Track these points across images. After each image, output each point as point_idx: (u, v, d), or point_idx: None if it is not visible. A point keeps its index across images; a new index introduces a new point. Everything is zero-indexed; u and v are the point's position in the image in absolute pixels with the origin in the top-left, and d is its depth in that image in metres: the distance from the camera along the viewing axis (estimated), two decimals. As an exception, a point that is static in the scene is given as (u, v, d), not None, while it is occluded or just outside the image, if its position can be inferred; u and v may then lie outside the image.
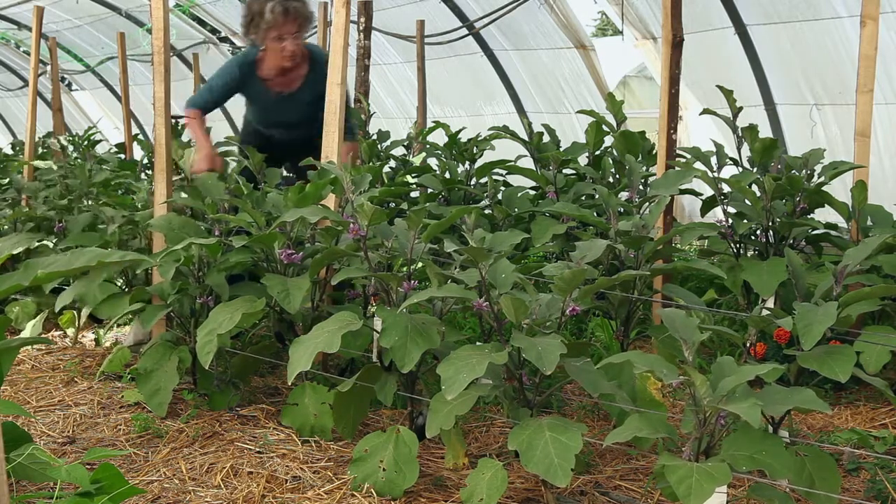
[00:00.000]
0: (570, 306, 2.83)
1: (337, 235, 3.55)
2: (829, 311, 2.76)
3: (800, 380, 2.91)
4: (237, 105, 12.51)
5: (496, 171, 5.56)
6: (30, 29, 7.15)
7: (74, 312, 4.70)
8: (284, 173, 4.97)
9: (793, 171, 4.20)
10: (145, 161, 7.10)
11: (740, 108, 4.50)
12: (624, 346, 3.78)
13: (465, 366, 2.62)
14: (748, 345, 3.06)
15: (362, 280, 3.57)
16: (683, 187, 4.81)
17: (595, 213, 4.41)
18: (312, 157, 4.23)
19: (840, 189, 4.55)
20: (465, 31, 8.10)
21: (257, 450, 3.23)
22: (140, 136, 10.22)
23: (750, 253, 4.33)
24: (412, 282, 3.11)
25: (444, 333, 3.06)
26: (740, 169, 4.46)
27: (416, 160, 5.75)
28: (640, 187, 4.61)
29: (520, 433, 2.63)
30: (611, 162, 5.00)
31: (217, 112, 11.99)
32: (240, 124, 12.11)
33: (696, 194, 4.97)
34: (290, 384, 3.09)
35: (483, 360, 2.62)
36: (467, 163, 5.58)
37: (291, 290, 3.30)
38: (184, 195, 4.06)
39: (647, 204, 3.95)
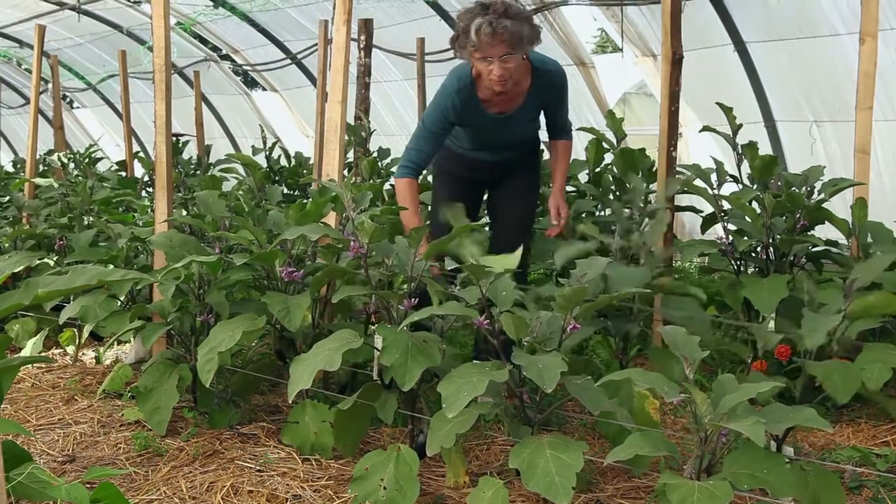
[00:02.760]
0: (571, 324, 2.83)
1: (338, 253, 3.55)
2: (834, 316, 2.77)
3: (803, 397, 2.90)
4: (237, 120, 12.45)
5: (497, 188, 5.56)
6: (31, 47, 7.18)
7: (75, 330, 4.69)
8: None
9: (793, 189, 4.20)
10: (146, 178, 7.12)
11: (740, 126, 4.50)
12: (623, 363, 3.78)
13: (466, 384, 2.61)
14: (749, 361, 3.06)
15: (363, 297, 3.57)
16: (683, 204, 4.82)
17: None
18: (525, 179, 4.13)
19: (840, 206, 4.54)
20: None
21: (258, 468, 3.22)
22: (141, 154, 10.24)
23: (750, 270, 4.33)
24: (413, 299, 3.11)
25: (445, 351, 3.06)
26: (740, 186, 4.46)
27: (417, 177, 5.76)
28: (641, 204, 4.59)
29: (520, 451, 2.63)
30: (611, 179, 5.01)
31: (217, 128, 12.09)
32: (242, 143, 12.04)
33: (697, 211, 4.97)
34: (290, 402, 3.08)
35: (484, 379, 2.62)
36: (468, 180, 5.57)
37: (292, 308, 3.30)
38: (184, 213, 4.06)
39: (648, 220, 3.96)
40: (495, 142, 4.03)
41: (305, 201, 3.68)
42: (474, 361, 3.09)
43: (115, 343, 4.61)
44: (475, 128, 3.98)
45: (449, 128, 3.93)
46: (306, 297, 3.38)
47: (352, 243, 3.17)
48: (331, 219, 3.75)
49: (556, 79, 3.94)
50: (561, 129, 4.13)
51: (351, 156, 5.80)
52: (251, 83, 12.35)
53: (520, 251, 3.08)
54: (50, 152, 8.24)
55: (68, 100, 14.95)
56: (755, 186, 4.35)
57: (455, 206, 3.64)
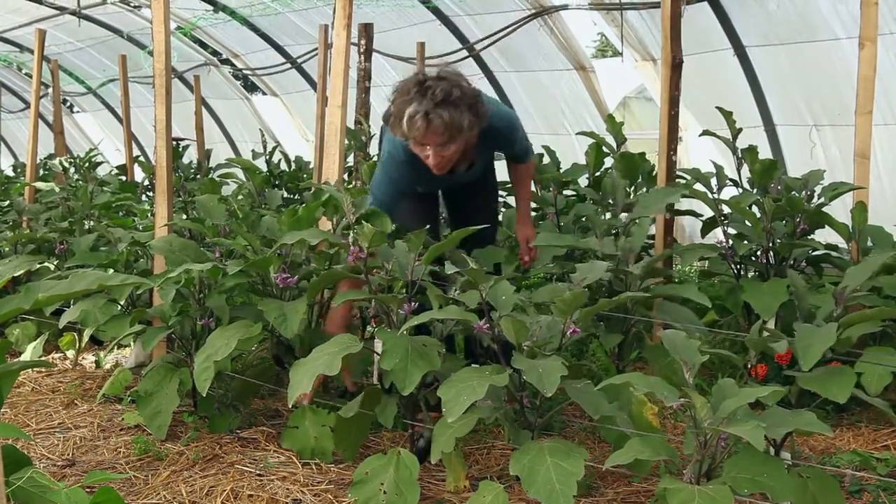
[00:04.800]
0: (571, 328, 2.82)
1: (330, 258, 3.54)
2: (829, 332, 2.77)
3: (801, 401, 2.90)
4: (237, 124, 12.45)
5: (497, 192, 5.56)
6: (32, 51, 7.18)
7: (75, 334, 4.69)
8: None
9: (793, 193, 4.20)
10: (146, 183, 7.12)
11: (740, 130, 4.51)
12: (620, 368, 3.78)
13: (466, 388, 2.61)
14: (748, 366, 3.06)
15: (362, 302, 3.57)
16: (683, 208, 4.82)
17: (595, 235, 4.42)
18: (483, 191, 3.96)
19: (840, 210, 4.55)
20: (465, 52, 8.13)
21: (258, 472, 3.21)
22: (141, 158, 10.24)
23: (750, 274, 4.33)
24: (412, 304, 3.11)
25: (445, 355, 3.06)
26: (740, 190, 4.47)
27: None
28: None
29: (521, 458, 2.62)
30: (611, 183, 5.00)
31: (217, 133, 12.08)
32: (242, 148, 12.04)
33: (697, 215, 4.98)
34: (290, 407, 3.08)
35: (483, 383, 2.62)
36: (467, 184, 5.57)
37: (288, 315, 3.29)
38: (184, 217, 4.05)
39: (634, 223, 3.97)
40: (449, 187, 3.93)
41: (298, 207, 3.66)
42: (473, 366, 3.09)
43: (115, 347, 4.61)
44: (427, 182, 3.77)
45: (402, 195, 3.71)
46: (302, 302, 3.37)
47: (352, 248, 3.17)
48: (327, 223, 3.75)
49: (505, 132, 3.71)
50: (519, 157, 3.94)
51: (351, 160, 5.81)
52: (251, 87, 12.35)
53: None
54: (50, 157, 8.26)
55: (68, 104, 14.95)
56: (755, 190, 4.36)
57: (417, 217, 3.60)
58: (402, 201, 3.89)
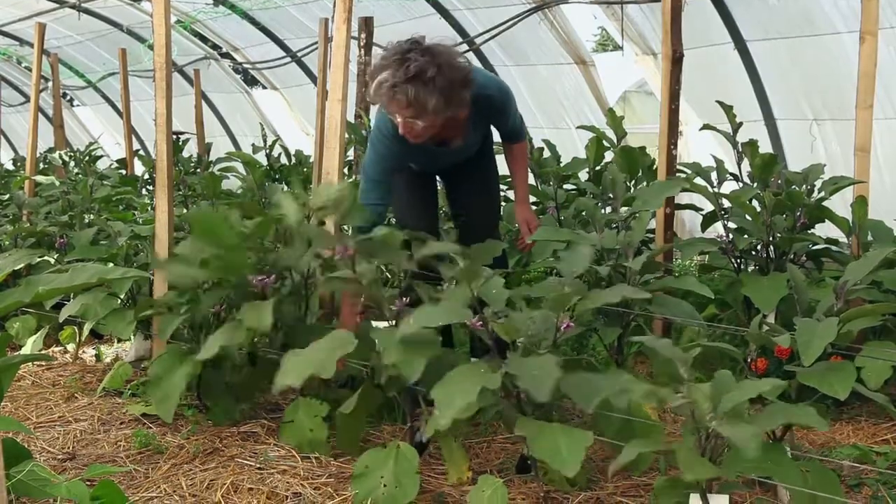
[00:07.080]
0: (565, 323, 2.82)
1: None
2: (829, 327, 2.76)
3: (802, 395, 2.90)
4: (237, 118, 12.42)
5: (497, 186, 5.56)
6: (31, 45, 7.17)
7: (75, 328, 4.69)
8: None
9: (793, 187, 4.20)
10: (146, 177, 7.12)
11: (740, 124, 4.50)
12: (619, 362, 3.78)
13: (459, 390, 2.60)
14: (749, 360, 3.06)
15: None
16: (684, 202, 4.82)
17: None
18: (481, 171, 3.96)
19: (840, 204, 4.54)
20: (465, 46, 8.12)
21: (258, 466, 3.22)
22: (141, 152, 10.22)
23: (750, 268, 4.33)
24: (405, 298, 3.08)
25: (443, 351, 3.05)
26: (740, 184, 4.46)
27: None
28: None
29: (528, 424, 2.64)
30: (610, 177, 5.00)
31: (217, 127, 12.08)
32: (242, 142, 12.02)
33: (697, 209, 4.97)
34: (275, 393, 3.05)
35: (476, 385, 2.59)
36: (467, 178, 5.56)
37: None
38: (184, 211, 4.04)
39: (633, 217, 3.96)
40: (442, 165, 3.95)
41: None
42: (472, 360, 3.09)
43: (116, 341, 4.61)
44: (419, 160, 3.85)
45: (394, 172, 3.75)
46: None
47: (337, 246, 3.09)
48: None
49: (498, 102, 3.74)
50: (512, 134, 3.96)
51: (351, 154, 5.81)
52: (251, 81, 12.34)
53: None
54: (50, 150, 8.25)
55: (68, 98, 14.94)
56: (755, 185, 4.35)
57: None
58: (400, 191, 3.91)
